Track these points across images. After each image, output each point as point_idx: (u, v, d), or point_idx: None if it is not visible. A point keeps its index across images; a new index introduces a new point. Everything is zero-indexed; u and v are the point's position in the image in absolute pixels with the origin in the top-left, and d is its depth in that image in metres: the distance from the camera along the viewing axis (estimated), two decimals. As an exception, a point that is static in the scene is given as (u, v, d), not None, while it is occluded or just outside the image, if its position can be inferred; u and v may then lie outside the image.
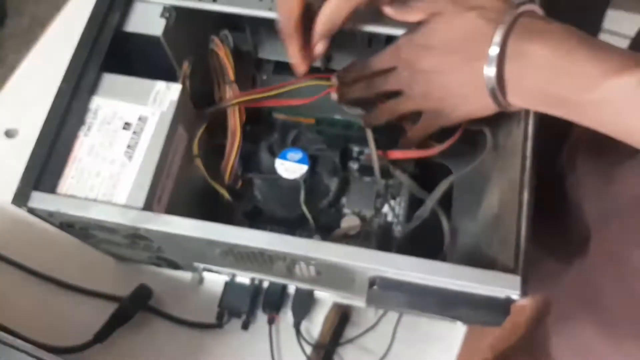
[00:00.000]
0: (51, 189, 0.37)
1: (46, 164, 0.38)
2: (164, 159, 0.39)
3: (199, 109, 0.46)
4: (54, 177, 0.38)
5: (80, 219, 0.36)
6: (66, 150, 0.38)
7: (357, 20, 0.42)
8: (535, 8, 0.35)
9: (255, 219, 0.51)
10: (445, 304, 0.36)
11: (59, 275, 0.51)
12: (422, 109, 0.41)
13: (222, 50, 0.46)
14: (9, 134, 0.59)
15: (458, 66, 0.37)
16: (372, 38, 0.49)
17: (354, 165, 0.53)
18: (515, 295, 0.34)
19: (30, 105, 0.61)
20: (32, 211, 0.37)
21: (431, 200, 0.45)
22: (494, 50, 0.34)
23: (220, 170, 0.47)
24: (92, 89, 0.40)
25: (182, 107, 0.41)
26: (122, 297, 0.50)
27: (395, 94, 0.43)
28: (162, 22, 0.43)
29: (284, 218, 0.50)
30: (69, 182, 0.38)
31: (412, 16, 0.39)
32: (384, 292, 0.36)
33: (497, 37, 0.34)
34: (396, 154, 0.49)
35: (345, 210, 0.51)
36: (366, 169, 0.53)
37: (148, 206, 0.37)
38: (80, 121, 0.39)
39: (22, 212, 0.37)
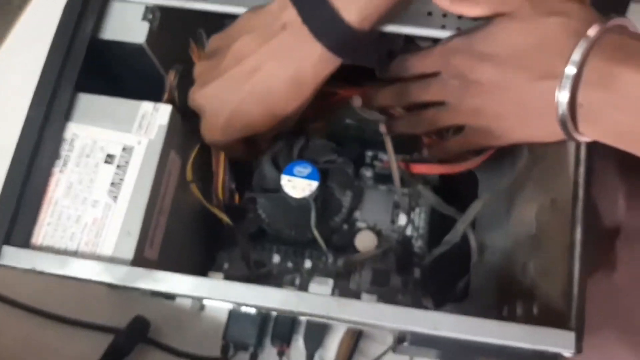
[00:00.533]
0: (25, 239, 0.32)
1: (17, 210, 0.32)
2: (155, 195, 0.34)
3: (191, 123, 0.40)
4: (27, 224, 0.32)
5: (61, 275, 0.31)
6: (40, 190, 0.33)
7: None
8: (628, 22, 0.29)
9: (260, 239, 0.46)
10: (485, 355, 0.32)
11: (47, 307, 0.46)
12: (469, 125, 0.35)
13: (196, 55, 0.40)
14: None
15: (523, 82, 0.30)
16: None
17: (367, 173, 0.48)
18: (568, 352, 0.30)
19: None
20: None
21: (462, 224, 0.40)
22: (571, 70, 0.28)
23: (212, 190, 0.42)
24: (67, 114, 0.34)
25: (173, 130, 0.35)
26: (118, 328, 0.46)
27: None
28: (144, 27, 0.37)
29: (293, 238, 0.45)
30: (44, 230, 0.32)
31: (474, 9, 0.32)
32: (416, 347, 0.32)
33: (577, 54, 0.28)
34: (420, 168, 0.43)
35: (359, 224, 0.46)
36: (382, 177, 0.47)
37: (139, 255, 0.32)
38: (55, 154, 0.34)
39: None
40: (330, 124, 0.46)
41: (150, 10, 0.37)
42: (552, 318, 0.33)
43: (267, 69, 0.34)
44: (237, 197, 0.44)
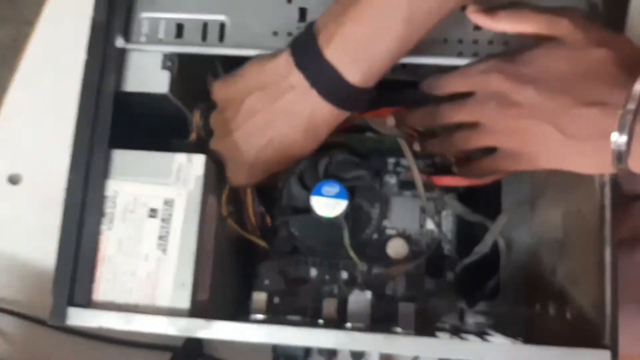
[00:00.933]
0: (86, 298, 0.34)
1: (75, 271, 0.34)
2: (201, 241, 0.36)
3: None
4: (86, 283, 0.34)
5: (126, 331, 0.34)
6: (92, 249, 0.35)
7: None
8: None
9: (296, 254, 0.48)
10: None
11: (103, 331, 0.49)
12: (502, 148, 0.35)
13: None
14: (13, 180, 0.55)
15: (568, 107, 0.30)
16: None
17: (391, 180, 0.49)
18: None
19: (27, 146, 0.56)
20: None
21: (491, 236, 0.42)
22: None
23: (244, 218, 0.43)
24: (105, 172, 0.36)
25: (209, 177, 0.36)
26: (174, 346, 0.48)
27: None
28: (165, 76, 0.37)
29: (327, 252, 0.47)
30: (103, 286, 0.34)
31: (520, 25, 0.32)
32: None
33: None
34: (445, 181, 0.44)
35: (389, 232, 0.48)
36: (406, 184, 0.49)
37: (194, 302, 0.34)
38: (100, 212, 0.35)
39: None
40: (348, 137, 0.47)
41: (168, 58, 0.37)
42: (585, 327, 0.35)
43: (280, 124, 0.35)
44: (268, 219, 0.45)
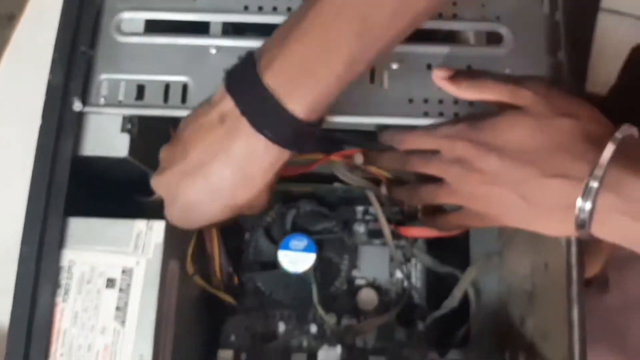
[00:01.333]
0: (40, 375, 0.32)
1: (28, 347, 0.32)
2: (161, 311, 0.34)
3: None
4: (39, 358, 0.33)
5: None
6: (47, 323, 0.33)
7: None
8: (635, 131, 0.29)
9: (263, 308, 0.47)
10: None
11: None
12: (469, 208, 0.35)
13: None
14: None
15: (531, 178, 0.30)
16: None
17: (360, 228, 0.49)
18: None
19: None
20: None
21: (459, 291, 0.41)
22: (596, 177, 0.28)
23: (210, 272, 0.42)
24: (60, 241, 0.34)
25: (170, 243, 0.35)
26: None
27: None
28: (125, 139, 0.36)
29: (295, 305, 0.46)
30: (58, 362, 0.33)
31: (482, 94, 0.32)
32: None
33: (604, 162, 0.28)
34: (412, 232, 0.44)
35: (358, 282, 0.48)
36: (375, 232, 0.48)
37: (154, 375, 0.33)
38: (55, 284, 0.34)
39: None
40: (318, 188, 0.46)
41: (128, 120, 0.36)
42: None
43: (209, 164, 0.31)
44: (236, 279, 0.44)
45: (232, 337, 0.46)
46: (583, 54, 0.38)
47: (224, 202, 0.33)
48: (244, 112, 0.30)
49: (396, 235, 0.46)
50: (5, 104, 0.44)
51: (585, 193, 0.28)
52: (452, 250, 0.47)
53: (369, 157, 0.40)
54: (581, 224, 0.29)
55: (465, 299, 0.46)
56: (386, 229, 0.45)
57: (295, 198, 0.47)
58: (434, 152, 0.34)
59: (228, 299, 0.42)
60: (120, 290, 0.34)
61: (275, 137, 0.30)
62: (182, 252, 0.38)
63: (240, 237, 0.47)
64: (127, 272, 0.34)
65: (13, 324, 0.32)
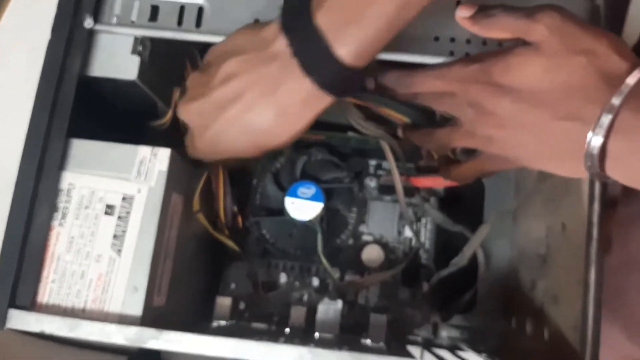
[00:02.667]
0: (30, 299, 0.31)
1: (20, 269, 0.31)
2: (160, 243, 0.33)
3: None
4: (31, 283, 0.31)
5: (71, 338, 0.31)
6: (40, 246, 0.32)
7: None
8: None
9: (266, 257, 0.45)
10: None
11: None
12: (485, 152, 0.33)
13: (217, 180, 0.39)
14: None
15: (545, 121, 0.29)
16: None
17: (371, 183, 0.47)
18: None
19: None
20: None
21: (469, 248, 0.40)
22: (607, 118, 0.26)
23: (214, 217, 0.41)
24: (61, 163, 0.33)
25: (174, 173, 0.34)
26: (129, 349, 0.46)
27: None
28: (135, 61, 0.34)
29: (299, 256, 0.45)
30: (49, 287, 0.31)
31: (492, 32, 0.30)
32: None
33: (616, 103, 0.26)
34: (424, 182, 0.42)
35: (365, 238, 0.46)
36: (386, 188, 0.46)
37: (147, 307, 0.32)
38: (52, 207, 0.32)
39: None
40: (329, 136, 0.45)
41: (139, 42, 0.35)
42: (564, 349, 0.33)
43: (253, 97, 0.31)
44: (239, 219, 0.43)
45: (233, 285, 0.45)
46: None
47: (256, 140, 0.32)
48: (296, 53, 0.29)
49: (409, 193, 0.44)
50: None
51: (596, 133, 0.27)
52: (465, 212, 0.46)
53: (380, 84, 0.38)
54: (592, 165, 0.28)
55: (473, 264, 0.44)
56: (398, 182, 0.43)
57: (307, 145, 0.45)
58: (445, 94, 0.33)
59: (230, 244, 0.41)
60: (119, 217, 0.32)
61: (322, 82, 0.30)
62: (187, 187, 0.37)
63: (248, 182, 0.45)
64: (127, 199, 0.32)
65: (6, 245, 0.31)
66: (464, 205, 0.47)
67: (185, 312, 0.40)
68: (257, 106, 0.31)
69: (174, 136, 0.39)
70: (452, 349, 0.46)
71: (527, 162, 0.32)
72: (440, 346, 0.46)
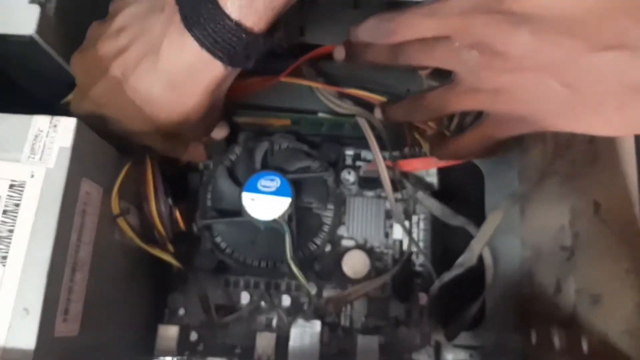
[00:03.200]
0: None
1: None
2: (62, 249, 0.24)
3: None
4: None
5: None
6: None
7: None
8: None
9: (222, 273, 0.36)
10: None
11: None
12: (490, 111, 0.27)
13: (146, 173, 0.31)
14: None
15: (579, 57, 0.22)
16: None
17: (349, 177, 0.39)
18: None
19: None
20: None
21: (479, 242, 0.32)
22: None
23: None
24: None
25: (83, 150, 0.25)
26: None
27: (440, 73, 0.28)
28: (34, 12, 0.26)
29: (264, 271, 0.35)
30: None
31: None
32: None
33: None
34: (414, 165, 0.34)
35: (345, 243, 0.37)
36: (368, 181, 0.38)
37: (46, 337, 0.22)
38: None
39: None
40: (297, 120, 0.36)
41: (40, -12, 0.26)
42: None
43: (135, 58, 0.26)
44: (181, 221, 0.33)
45: (181, 310, 0.35)
46: None
47: (143, 112, 0.27)
48: (179, 2, 0.25)
49: (396, 184, 0.36)
50: None
51: None
52: (463, 208, 0.38)
53: (353, 50, 0.30)
54: None
55: (477, 269, 0.36)
56: (384, 170, 0.35)
57: (269, 133, 0.37)
58: (439, 40, 0.25)
59: (167, 257, 0.31)
60: (5, 212, 0.23)
61: (206, 41, 0.24)
62: (110, 177, 0.28)
63: (196, 181, 0.36)
64: (15, 187, 0.23)
65: None
66: (461, 199, 0.39)
67: (116, 346, 0.30)
68: (140, 67, 0.26)
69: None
70: (461, 375, 0.37)
71: (551, 120, 0.25)
72: (446, 373, 0.37)
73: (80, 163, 0.24)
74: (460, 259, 0.32)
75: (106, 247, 0.28)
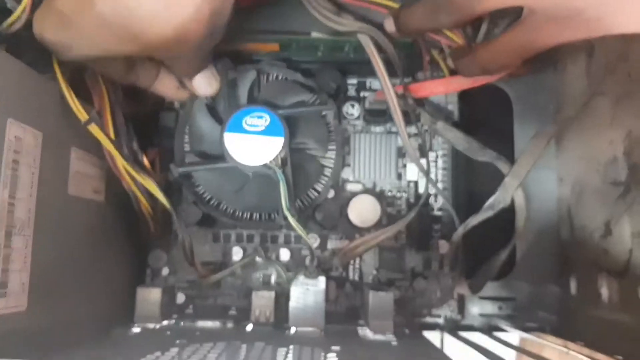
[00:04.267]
0: None
1: None
2: (-9, 208, 0.19)
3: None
4: None
5: None
6: None
7: None
8: None
9: (210, 225, 0.31)
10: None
11: None
12: (532, 7, 0.21)
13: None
14: None
15: None
16: None
17: (353, 110, 0.33)
18: None
19: None
20: None
21: (515, 178, 0.26)
22: None
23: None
24: None
25: (5, 83, 0.19)
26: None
27: None
28: None
29: (258, 220, 0.31)
30: None
31: None
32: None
33: None
34: (432, 87, 0.28)
35: (351, 187, 0.32)
36: (375, 114, 0.33)
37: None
38: None
39: None
40: (286, 43, 0.30)
41: None
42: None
43: None
44: (147, 163, 0.28)
45: (164, 271, 0.31)
46: None
47: (125, 21, 0.21)
48: None
49: (410, 116, 0.30)
50: None
51: None
52: (488, 140, 0.32)
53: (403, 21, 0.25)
54: None
55: (506, 211, 0.31)
56: (394, 99, 0.29)
57: (256, 61, 0.31)
58: None
59: (155, 191, 0.26)
60: None
61: None
62: (46, 115, 0.23)
63: (169, 124, 0.31)
64: None
65: None
66: (486, 130, 0.33)
67: (86, 319, 0.26)
68: None
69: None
70: (488, 330, 0.33)
71: (610, 15, 0.19)
72: (471, 328, 0.33)
73: (1, 100, 0.19)
74: (491, 200, 0.27)
75: (57, 204, 0.23)
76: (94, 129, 0.24)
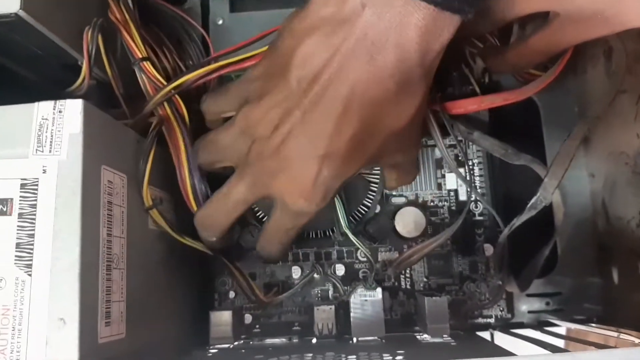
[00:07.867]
0: None
1: None
2: (92, 246, 0.21)
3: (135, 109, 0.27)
4: None
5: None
6: None
7: None
8: None
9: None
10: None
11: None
12: (563, 8, 0.23)
13: (116, 13, 0.27)
14: None
15: None
16: None
17: (389, 129, 0.35)
18: None
19: None
20: None
21: (554, 178, 0.28)
22: None
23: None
24: None
25: (97, 135, 0.22)
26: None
27: None
28: (13, -16, 0.23)
29: (313, 238, 0.33)
30: None
31: None
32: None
33: None
34: (467, 105, 0.30)
35: (395, 200, 0.34)
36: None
37: (90, 345, 0.20)
38: None
39: None
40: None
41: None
42: None
43: (356, 68, 0.22)
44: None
45: (231, 294, 0.33)
46: None
47: (377, 124, 0.23)
48: None
49: (445, 128, 0.32)
50: None
51: None
52: (519, 145, 0.34)
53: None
54: None
55: (544, 209, 0.32)
56: (433, 122, 0.31)
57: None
58: None
59: (200, 246, 0.29)
60: (21, 216, 0.20)
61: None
62: (132, 163, 0.25)
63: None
64: (28, 185, 0.21)
65: None
66: (516, 135, 0.35)
67: (169, 341, 0.28)
68: (367, 75, 0.22)
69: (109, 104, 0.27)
70: (540, 326, 0.34)
71: (632, 11, 0.21)
72: (521, 325, 0.35)
73: (95, 149, 0.22)
74: (533, 200, 0.28)
75: (141, 238, 0.25)
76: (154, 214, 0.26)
